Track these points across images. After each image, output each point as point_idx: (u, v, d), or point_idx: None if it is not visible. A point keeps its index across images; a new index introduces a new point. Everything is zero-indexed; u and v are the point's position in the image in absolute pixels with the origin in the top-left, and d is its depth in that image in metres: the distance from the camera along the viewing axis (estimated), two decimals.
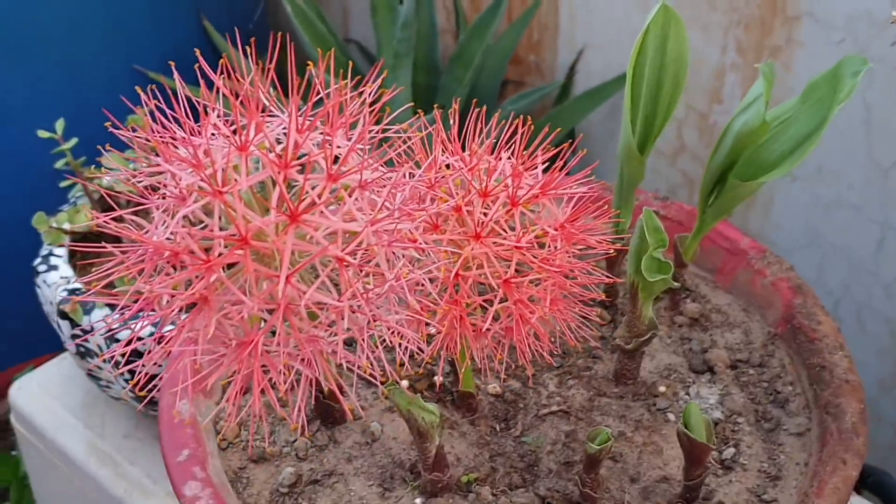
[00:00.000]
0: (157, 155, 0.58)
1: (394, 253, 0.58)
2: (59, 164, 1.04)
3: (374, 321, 0.58)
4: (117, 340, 0.96)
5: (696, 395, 0.82)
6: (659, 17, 0.77)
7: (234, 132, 0.57)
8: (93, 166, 1.05)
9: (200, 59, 0.59)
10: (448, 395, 0.83)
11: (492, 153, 0.69)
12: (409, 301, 0.59)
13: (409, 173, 0.65)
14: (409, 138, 0.66)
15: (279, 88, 0.62)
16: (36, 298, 1.04)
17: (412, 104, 0.69)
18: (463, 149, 0.69)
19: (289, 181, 0.56)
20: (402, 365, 0.62)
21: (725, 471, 0.77)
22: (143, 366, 0.59)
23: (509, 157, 0.69)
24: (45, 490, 1.29)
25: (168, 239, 0.55)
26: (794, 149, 0.77)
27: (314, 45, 1.50)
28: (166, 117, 0.59)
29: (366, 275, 0.57)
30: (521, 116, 0.69)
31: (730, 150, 0.78)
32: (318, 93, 0.61)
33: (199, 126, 0.58)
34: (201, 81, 0.60)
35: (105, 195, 0.93)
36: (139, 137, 0.59)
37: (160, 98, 0.59)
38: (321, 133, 0.59)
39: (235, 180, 0.55)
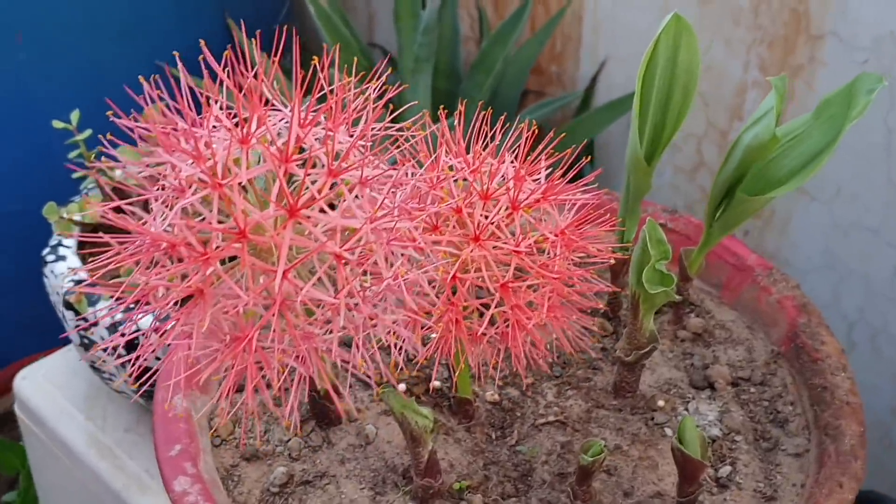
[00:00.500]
0: (159, 145, 0.57)
1: (392, 252, 0.58)
2: (72, 155, 1.04)
3: (371, 320, 0.58)
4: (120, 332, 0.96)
5: (695, 411, 0.81)
6: (671, 27, 0.76)
7: (237, 124, 0.57)
8: (104, 157, 1.05)
9: (205, 50, 0.59)
10: (445, 401, 0.82)
11: (496, 156, 0.69)
12: (406, 301, 0.58)
13: (411, 171, 0.64)
14: (413, 136, 0.66)
15: (283, 82, 0.61)
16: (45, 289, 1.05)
17: (425, 111, 0.69)
18: (468, 151, 0.69)
19: (289, 175, 0.56)
20: (397, 367, 0.62)
21: (720, 489, 0.76)
22: (139, 357, 0.59)
23: (512, 162, 0.69)
24: (46, 481, 1.29)
25: (166, 230, 0.55)
26: (805, 165, 0.76)
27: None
28: (169, 108, 0.59)
29: (363, 272, 0.57)
30: (528, 121, 0.69)
31: (739, 163, 0.77)
32: (322, 88, 0.61)
33: (201, 117, 0.58)
34: (205, 72, 0.60)
35: (116, 186, 0.93)
36: (141, 128, 0.59)
37: (162, 88, 0.59)
38: (323, 128, 0.58)
39: (236, 173, 0.55)
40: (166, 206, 0.56)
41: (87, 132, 1.03)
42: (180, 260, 0.54)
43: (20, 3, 1.36)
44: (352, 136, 0.59)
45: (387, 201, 0.57)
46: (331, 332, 0.56)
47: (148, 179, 0.58)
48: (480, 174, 0.67)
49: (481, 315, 0.66)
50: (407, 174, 0.63)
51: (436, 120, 0.68)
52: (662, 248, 0.73)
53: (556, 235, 0.66)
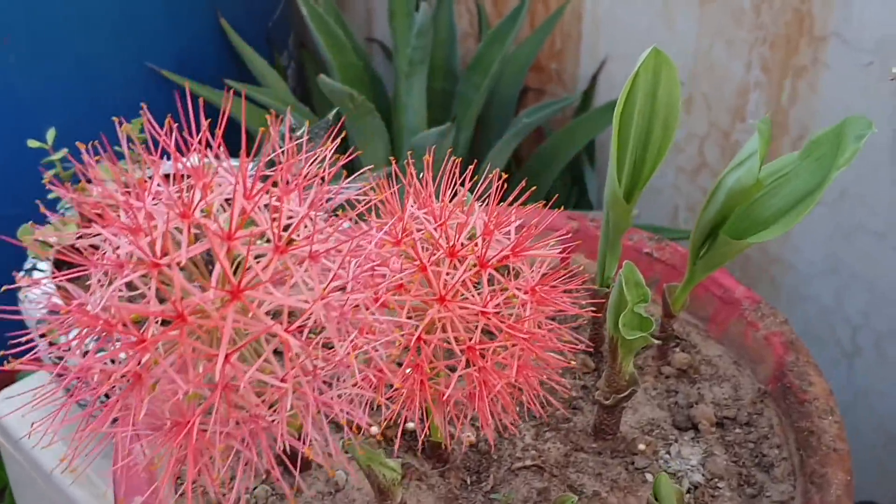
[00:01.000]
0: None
1: (348, 325, 0.55)
2: (47, 176, 1.02)
3: (323, 405, 0.55)
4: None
5: (678, 455, 0.79)
6: (650, 61, 0.73)
7: (179, 193, 0.54)
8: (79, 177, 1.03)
9: (146, 114, 0.56)
10: (419, 444, 0.80)
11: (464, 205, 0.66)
12: (361, 375, 0.55)
13: (373, 225, 0.62)
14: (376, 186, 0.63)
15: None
16: None
17: (389, 160, 0.65)
18: (437, 195, 0.66)
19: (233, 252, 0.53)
20: (359, 430, 0.59)
21: None
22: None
23: (482, 210, 0.65)
24: (26, 502, 1.28)
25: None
26: (792, 207, 0.73)
27: (329, 48, 1.47)
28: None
29: (313, 348, 0.54)
30: (497, 171, 0.66)
31: (721, 206, 0.74)
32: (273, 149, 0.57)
33: (140, 188, 0.54)
34: (147, 132, 0.57)
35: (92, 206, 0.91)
36: (83, 201, 0.56)
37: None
38: (271, 195, 0.55)
39: (175, 253, 0.52)
40: (108, 279, 0.53)
41: (63, 151, 1.01)
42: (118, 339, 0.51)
43: (7, 5, 1.33)
44: (303, 200, 0.56)
45: (342, 270, 0.54)
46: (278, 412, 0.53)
47: (90, 249, 0.55)
48: (447, 227, 0.64)
49: (448, 375, 0.63)
50: (369, 229, 0.60)
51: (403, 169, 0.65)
52: (640, 291, 0.71)
53: (525, 293, 0.63)
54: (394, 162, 0.66)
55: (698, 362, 0.86)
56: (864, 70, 1.22)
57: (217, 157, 0.56)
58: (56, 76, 1.42)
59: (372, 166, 0.68)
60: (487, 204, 0.65)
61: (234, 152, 0.56)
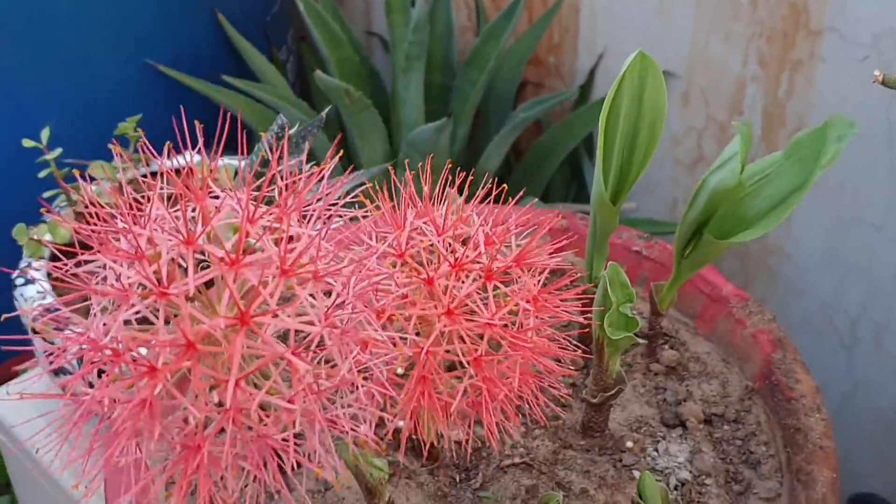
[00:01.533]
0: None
1: (351, 343, 0.54)
2: (42, 174, 1.02)
3: (329, 422, 0.54)
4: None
5: (665, 452, 0.80)
6: (635, 64, 0.73)
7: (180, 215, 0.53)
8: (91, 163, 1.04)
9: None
10: (409, 441, 0.80)
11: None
12: (363, 394, 0.55)
13: (375, 237, 0.62)
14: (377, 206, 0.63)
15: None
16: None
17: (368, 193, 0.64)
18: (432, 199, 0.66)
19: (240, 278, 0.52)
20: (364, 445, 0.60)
21: None
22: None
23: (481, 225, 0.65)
24: (26, 498, 1.29)
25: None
26: (775, 206, 0.73)
27: (326, 43, 1.47)
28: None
29: (318, 365, 0.54)
30: (496, 178, 0.66)
31: (703, 207, 0.74)
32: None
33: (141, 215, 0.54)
34: (145, 163, 0.56)
35: (90, 203, 0.91)
36: (84, 229, 0.55)
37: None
38: (273, 217, 0.54)
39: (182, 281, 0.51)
40: (113, 307, 0.52)
41: (58, 151, 1.02)
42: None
43: (4, 4, 1.34)
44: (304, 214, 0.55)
45: (345, 289, 0.54)
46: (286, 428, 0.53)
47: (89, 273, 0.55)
48: (449, 239, 0.64)
49: (452, 386, 0.63)
50: (372, 241, 0.60)
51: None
52: (626, 292, 0.71)
53: (528, 302, 0.63)
54: (392, 170, 0.66)
55: (687, 359, 0.87)
56: (860, 64, 1.22)
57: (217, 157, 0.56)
58: (53, 73, 1.42)
59: (364, 179, 0.68)
60: (486, 204, 0.65)
61: (230, 147, 0.55)
